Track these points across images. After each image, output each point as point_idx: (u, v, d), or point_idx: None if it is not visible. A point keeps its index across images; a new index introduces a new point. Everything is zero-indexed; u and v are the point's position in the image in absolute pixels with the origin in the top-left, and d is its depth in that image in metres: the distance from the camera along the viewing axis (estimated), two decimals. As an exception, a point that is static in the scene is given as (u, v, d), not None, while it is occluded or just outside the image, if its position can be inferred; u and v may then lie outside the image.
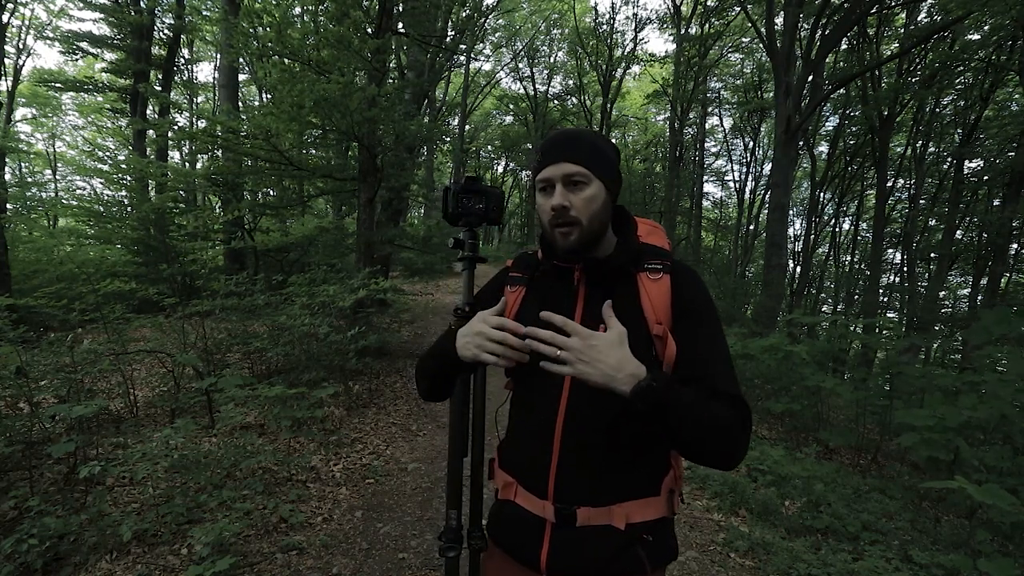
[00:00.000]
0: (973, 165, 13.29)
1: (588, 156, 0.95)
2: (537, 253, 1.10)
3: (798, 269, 16.94)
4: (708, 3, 16.27)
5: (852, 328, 6.61)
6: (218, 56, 15.30)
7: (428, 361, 1.07)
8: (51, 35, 14.82)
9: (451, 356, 0.95)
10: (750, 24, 11.26)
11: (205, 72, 41.08)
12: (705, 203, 23.98)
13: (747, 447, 0.88)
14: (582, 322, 0.97)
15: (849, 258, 18.49)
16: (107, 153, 14.63)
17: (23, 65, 17.19)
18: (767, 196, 14.85)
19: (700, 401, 0.84)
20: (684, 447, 0.87)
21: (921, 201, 14.62)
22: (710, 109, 20.86)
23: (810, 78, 9.32)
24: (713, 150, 23.57)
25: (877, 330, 8.19)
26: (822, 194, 17.28)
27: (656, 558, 0.94)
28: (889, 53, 12.50)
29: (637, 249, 1.01)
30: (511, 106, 26.13)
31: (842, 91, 12.85)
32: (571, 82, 24.19)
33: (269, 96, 13.09)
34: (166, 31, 13.67)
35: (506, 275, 1.13)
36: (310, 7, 8.41)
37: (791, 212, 13.24)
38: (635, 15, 30.11)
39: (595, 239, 0.97)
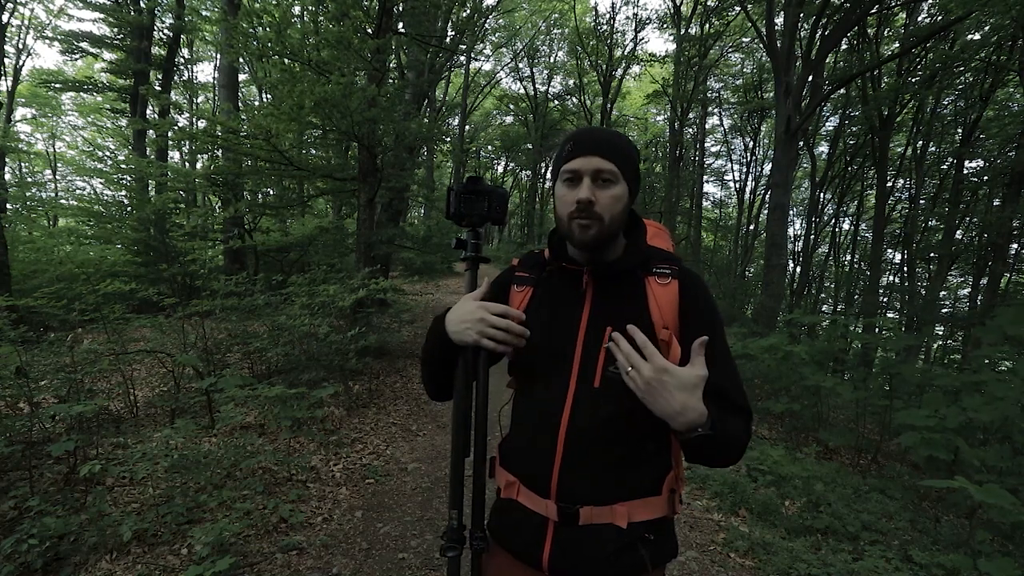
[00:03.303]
0: (973, 165, 13.29)
1: (619, 156, 0.94)
2: (544, 252, 1.09)
3: (798, 269, 16.93)
4: (708, 3, 16.26)
5: (852, 328, 6.61)
6: (218, 56, 15.30)
7: (426, 348, 1.07)
8: (51, 35, 14.84)
9: (444, 340, 0.97)
10: (750, 24, 11.24)
11: (205, 72, 41.18)
12: (705, 203, 24.01)
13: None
14: (587, 325, 0.97)
15: (849, 258, 18.49)
16: (107, 153, 14.64)
17: (23, 65, 17.21)
18: (767, 196, 14.85)
19: (732, 432, 0.89)
20: (701, 461, 0.92)
21: (921, 201, 14.60)
22: (710, 109, 20.85)
23: (810, 78, 9.31)
24: (713, 150, 23.60)
25: (877, 330, 8.19)
26: (822, 194, 17.27)
27: (657, 557, 0.95)
28: (889, 53, 12.50)
29: (646, 252, 1.01)
30: (511, 106, 26.13)
31: (842, 91, 12.85)
32: (571, 82, 24.19)
33: (269, 96, 13.11)
34: (166, 31, 13.67)
35: (512, 274, 1.12)
36: (310, 7, 8.43)
37: (791, 212, 13.24)
38: (635, 15, 30.09)
39: (611, 239, 0.97)
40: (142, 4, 12.13)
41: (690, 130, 20.22)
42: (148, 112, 13.42)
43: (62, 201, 14.63)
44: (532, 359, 1.00)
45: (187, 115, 17.27)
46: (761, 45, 12.16)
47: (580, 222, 0.93)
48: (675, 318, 0.95)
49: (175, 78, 16.11)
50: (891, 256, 16.85)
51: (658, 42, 59.53)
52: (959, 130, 12.72)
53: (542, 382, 0.93)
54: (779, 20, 9.96)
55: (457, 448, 1.03)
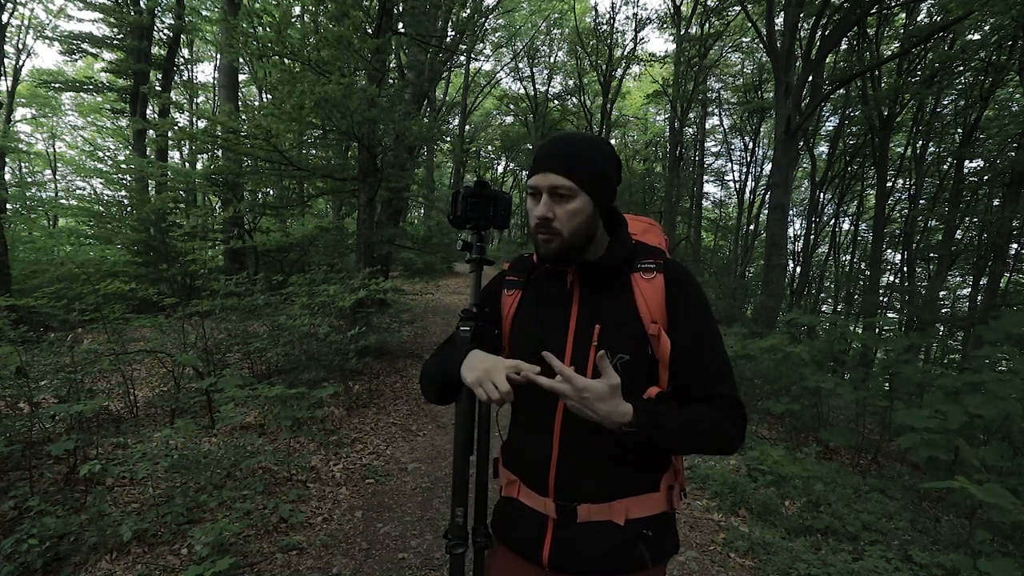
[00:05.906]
0: (973, 165, 13.28)
1: (577, 168, 0.93)
2: (533, 256, 1.11)
3: (798, 269, 16.93)
4: (708, 3, 16.26)
5: (852, 328, 6.60)
6: (218, 56, 15.28)
7: (434, 368, 1.08)
8: (51, 35, 14.80)
9: (453, 373, 0.96)
10: (750, 24, 11.25)
11: (205, 72, 41.01)
12: (705, 203, 23.97)
13: (743, 438, 0.98)
14: (577, 323, 0.99)
15: (849, 258, 18.48)
16: (107, 153, 14.63)
17: (23, 65, 17.20)
18: (767, 196, 14.85)
19: (687, 420, 0.92)
20: (680, 453, 1.03)
21: (921, 201, 14.60)
22: (710, 109, 20.85)
23: (810, 78, 9.30)
24: (713, 150, 23.57)
25: (877, 330, 8.19)
26: (822, 194, 17.26)
27: (657, 553, 0.96)
28: (889, 53, 12.50)
29: (630, 249, 1.02)
30: (511, 106, 26.09)
31: (842, 91, 12.85)
32: (571, 82, 24.17)
33: (269, 96, 13.10)
34: (166, 31, 13.65)
35: (503, 279, 1.14)
36: (310, 7, 8.42)
37: (791, 212, 13.23)
38: (635, 15, 29.98)
39: (576, 250, 0.98)
40: (142, 4, 12.11)
41: (690, 130, 20.21)
42: (148, 112, 13.40)
43: (62, 201, 14.63)
44: (525, 359, 1.01)
45: (187, 115, 17.26)
46: (761, 45, 12.17)
47: (541, 236, 0.96)
48: (663, 311, 0.96)
49: (175, 78, 16.07)
50: (891, 256, 16.86)
51: (658, 42, 59.62)
52: (959, 130, 12.71)
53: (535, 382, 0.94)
54: (779, 20, 9.96)
55: (460, 446, 1.03)
